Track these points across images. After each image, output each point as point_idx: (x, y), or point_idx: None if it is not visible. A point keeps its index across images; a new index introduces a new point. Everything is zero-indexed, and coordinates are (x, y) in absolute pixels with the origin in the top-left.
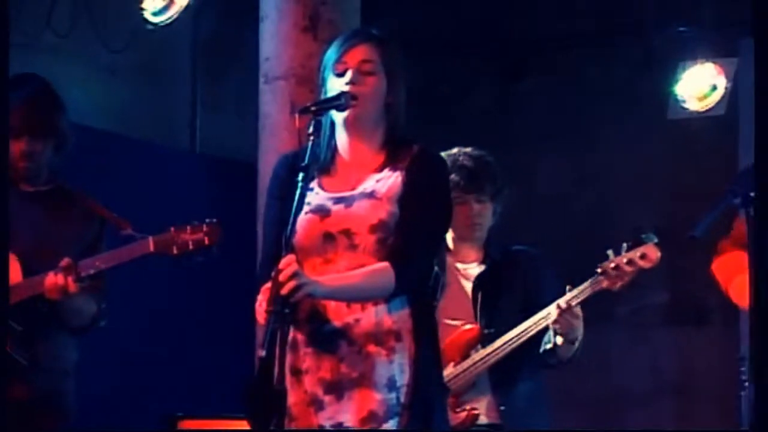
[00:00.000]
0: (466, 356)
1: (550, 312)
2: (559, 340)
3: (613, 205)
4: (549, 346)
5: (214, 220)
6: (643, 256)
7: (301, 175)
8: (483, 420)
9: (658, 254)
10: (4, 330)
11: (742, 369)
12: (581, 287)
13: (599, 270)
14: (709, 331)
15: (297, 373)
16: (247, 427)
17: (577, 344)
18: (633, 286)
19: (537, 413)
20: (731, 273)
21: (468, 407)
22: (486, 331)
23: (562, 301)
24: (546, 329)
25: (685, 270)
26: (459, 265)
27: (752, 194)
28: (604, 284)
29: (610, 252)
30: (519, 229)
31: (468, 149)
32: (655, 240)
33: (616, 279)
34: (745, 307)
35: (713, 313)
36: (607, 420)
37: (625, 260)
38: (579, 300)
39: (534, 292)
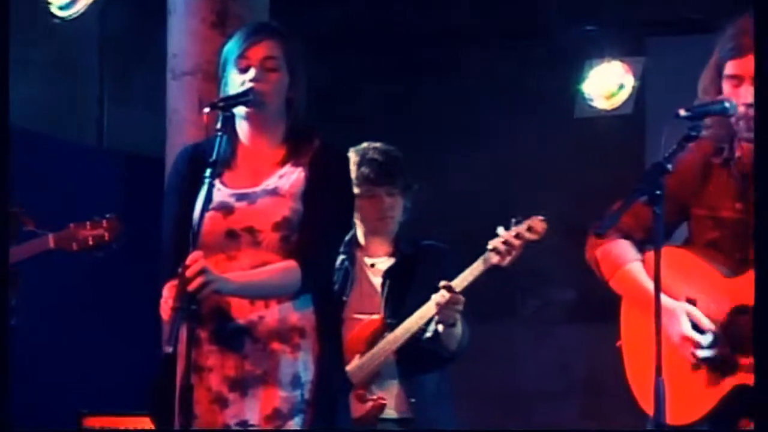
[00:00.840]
0: (371, 347)
1: (443, 294)
2: (440, 327)
3: (521, 201)
4: (429, 334)
5: (114, 215)
6: (529, 229)
7: (208, 171)
8: (392, 414)
9: (545, 226)
10: (4, 330)
11: None
12: (473, 266)
13: (490, 247)
14: (614, 327)
15: (201, 370)
16: (151, 425)
17: (457, 330)
18: (540, 281)
19: (443, 407)
20: (616, 263)
21: (375, 397)
22: (389, 321)
23: (454, 282)
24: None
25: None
26: (368, 260)
27: (658, 192)
28: (495, 260)
29: (500, 229)
30: (428, 225)
31: (377, 144)
32: (544, 216)
33: (505, 254)
34: (628, 296)
35: (619, 309)
36: (513, 416)
37: (513, 234)
38: (472, 278)
39: None
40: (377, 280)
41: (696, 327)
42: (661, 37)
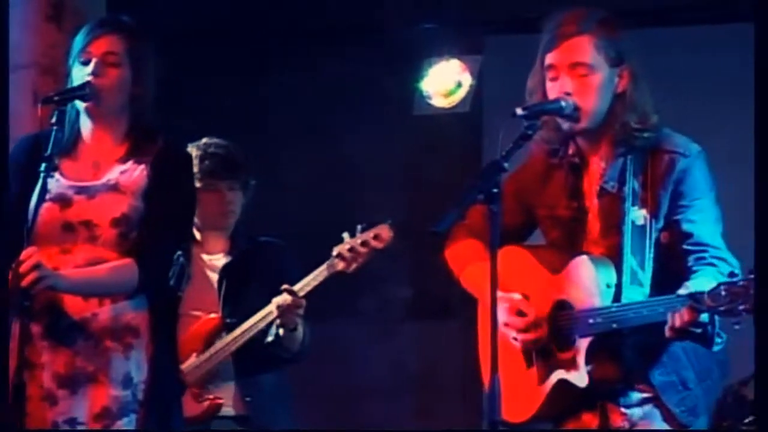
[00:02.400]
0: (208, 346)
1: (285, 298)
2: (281, 330)
3: (360, 199)
4: (271, 338)
5: None
6: (376, 237)
7: (43, 166)
8: (230, 411)
9: (391, 234)
10: (4, 330)
11: None
12: (317, 271)
13: (335, 253)
14: (452, 325)
15: (33, 367)
16: None
17: (298, 333)
18: (377, 280)
19: (280, 406)
20: (464, 261)
21: (211, 396)
22: (229, 320)
23: (289, 287)
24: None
25: (429, 264)
26: (205, 256)
27: (495, 190)
28: (340, 266)
29: (345, 235)
30: (267, 221)
31: (217, 140)
32: (389, 221)
33: (351, 261)
34: (475, 294)
35: (456, 308)
36: (349, 414)
37: (359, 241)
38: (315, 283)
39: (280, 283)
40: (214, 276)
41: (520, 314)
42: (499, 36)
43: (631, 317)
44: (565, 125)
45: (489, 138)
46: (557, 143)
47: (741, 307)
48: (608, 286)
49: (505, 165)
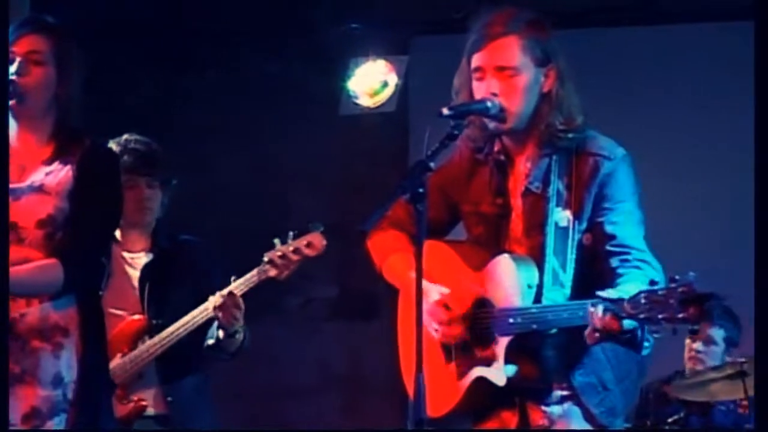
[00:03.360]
0: (133, 347)
1: (215, 301)
2: (221, 333)
3: (287, 198)
4: (212, 341)
5: None
6: (308, 245)
7: None
8: (151, 411)
9: (324, 242)
10: (4, 331)
11: None
12: (248, 276)
13: (266, 259)
14: (378, 324)
15: None
16: None
17: (239, 336)
18: (303, 278)
19: (202, 405)
20: (386, 252)
21: (135, 398)
22: (154, 321)
23: (225, 290)
24: (213, 319)
25: (355, 263)
26: (126, 254)
27: (420, 190)
28: (272, 273)
29: (276, 241)
30: (191, 220)
31: (137, 136)
32: (321, 228)
33: (282, 268)
34: (395, 284)
35: (382, 307)
36: (274, 413)
37: (291, 249)
38: (246, 288)
39: (203, 282)
40: (134, 274)
41: (446, 306)
42: (425, 36)
43: (550, 319)
44: (491, 125)
45: (415, 137)
46: (482, 141)
47: (660, 316)
48: (529, 286)
49: (431, 165)
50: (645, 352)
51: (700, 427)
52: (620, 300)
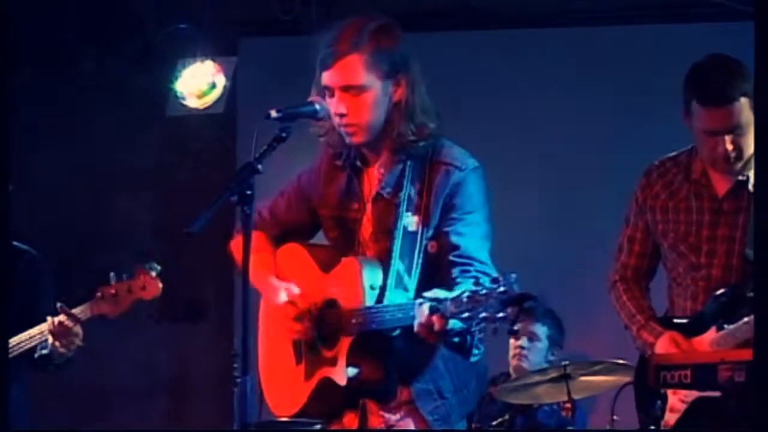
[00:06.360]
0: None
1: (46, 329)
2: (58, 349)
3: (112, 201)
4: (45, 351)
5: None
6: (144, 288)
7: None
8: None
9: (159, 287)
10: (4, 332)
11: (235, 365)
12: (79, 309)
13: (99, 294)
14: (204, 326)
15: None
16: None
17: (72, 349)
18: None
19: (18, 411)
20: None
21: None
22: None
23: (62, 317)
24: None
25: (182, 265)
26: None
27: (249, 192)
28: (104, 310)
29: (112, 275)
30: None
31: None
32: (158, 269)
33: (114, 307)
34: (255, 285)
35: (209, 309)
36: (97, 417)
37: (125, 288)
38: (78, 319)
39: (31, 294)
40: None
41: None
42: (254, 37)
43: (387, 319)
44: (347, 139)
45: (243, 140)
46: (341, 148)
47: (481, 315)
48: (372, 287)
49: (259, 167)
50: (473, 359)
51: (524, 428)
52: (444, 299)
